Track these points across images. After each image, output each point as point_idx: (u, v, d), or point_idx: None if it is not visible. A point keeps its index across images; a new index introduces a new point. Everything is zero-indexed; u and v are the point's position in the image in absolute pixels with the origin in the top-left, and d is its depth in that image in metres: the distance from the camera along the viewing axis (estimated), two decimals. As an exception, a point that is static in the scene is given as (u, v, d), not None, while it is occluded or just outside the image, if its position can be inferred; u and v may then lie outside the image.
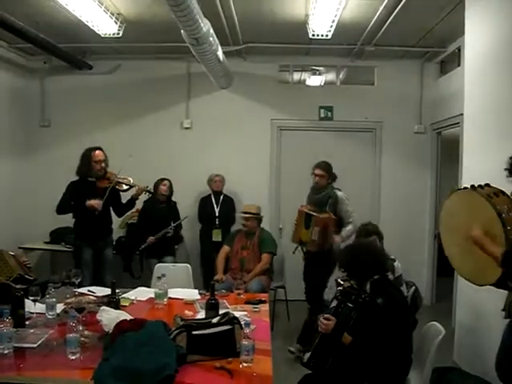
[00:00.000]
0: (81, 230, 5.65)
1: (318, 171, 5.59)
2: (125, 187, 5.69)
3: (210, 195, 7.12)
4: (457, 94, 5.98)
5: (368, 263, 3.29)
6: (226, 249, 6.10)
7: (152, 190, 6.06)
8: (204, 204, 7.09)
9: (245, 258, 6.00)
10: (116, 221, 6.18)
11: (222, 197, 7.08)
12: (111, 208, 5.76)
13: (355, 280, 3.43)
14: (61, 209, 5.53)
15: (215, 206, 7.01)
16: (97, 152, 5.55)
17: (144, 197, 6.06)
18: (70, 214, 5.67)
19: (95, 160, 5.51)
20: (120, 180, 5.64)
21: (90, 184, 5.54)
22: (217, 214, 6.97)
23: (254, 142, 7.57)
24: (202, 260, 7.04)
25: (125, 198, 5.85)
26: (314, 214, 5.37)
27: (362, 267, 3.29)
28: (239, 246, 6.07)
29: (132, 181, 5.72)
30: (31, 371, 2.63)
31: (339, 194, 5.53)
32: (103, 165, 5.57)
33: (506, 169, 2.92)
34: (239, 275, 5.90)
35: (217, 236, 6.89)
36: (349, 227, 5.46)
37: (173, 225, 6.53)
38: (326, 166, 5.62)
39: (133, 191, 5.73)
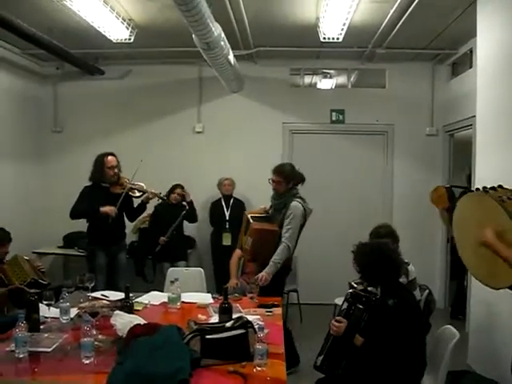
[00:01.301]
0: (94, 234, 5.67)
1: (273, 176, 4.94)
2: (138, 193, 5.70)
3: (220, 199, 7.15)
4: (469, 95, 5.96)
5: (384, 268, 3.27)
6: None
7: (165, 197, 6.07)
8: (214, 208, 7.10)
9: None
10: (128, 226, 6.20)
11: (232, 200, 7.10)
12: (124, 213, 5.77)
13: (369, 283, 3.42)
14: (75, 213, 5.55)
15: (225, 209, 7.02)
16: (109, 158, 5.57)
17: (154, 201, 6.06)
18: (84, 219, 5.70)
19: (108, 166, 5.54)
20: (133, 186, 5.66)
21: (104, 189, 5.56)
22: (227, 218, 6.98)
23: (266, 146, 7.57)
24: (213, 264, 7.05)
25: (136, 201, 5.87)
26: (251, 221, 4.86)
27: (377, 272, 3.28)
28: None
29: (145, 186, 5.73)
30: (46, 375, 2.64)
31: (293, 204, 4.74)
32: (116, 170, 5.58)
33: None
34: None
35: (226, 240, 6.91)
36: (279, 249, 4.66)
37: (174, 224, 6.50)
38: (280, 170, 4.93)
39: (145, 196, 5.74)
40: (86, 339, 2.77)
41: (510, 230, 2.72)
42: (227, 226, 6.97)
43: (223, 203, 7.08)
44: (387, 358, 3.04)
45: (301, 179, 4.97)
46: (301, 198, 4.86)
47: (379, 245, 3.43)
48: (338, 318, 3.31)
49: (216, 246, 7.07)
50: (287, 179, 4.87)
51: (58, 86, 7.76)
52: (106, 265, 5.62)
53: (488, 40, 4.99)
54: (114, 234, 5.63)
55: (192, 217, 6.76)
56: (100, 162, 5.56)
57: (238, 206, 7.09)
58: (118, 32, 5.84)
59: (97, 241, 5.62)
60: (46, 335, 3.15)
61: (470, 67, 6.51)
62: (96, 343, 2.90)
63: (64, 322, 3.47)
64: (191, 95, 7.64)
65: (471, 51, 6.44)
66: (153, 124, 7.63)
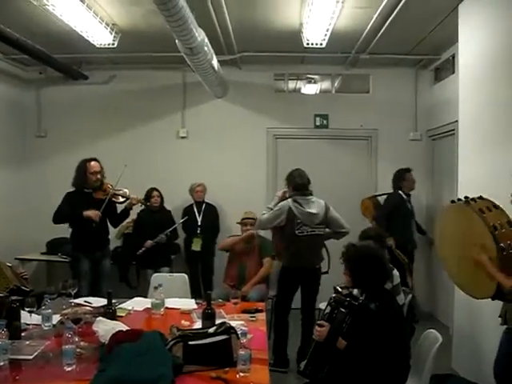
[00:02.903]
0: (78, 240, 5.64)
1: None
2: (121, 199, 5.68)
3: (192, 205, 7.10)
4: (451, 101, 6.00)
5: (375, 273, 3.28)
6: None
7: (148, 203, 6.05)
8: (186, 214, 7.03)
9: (245, 264, 6.02)
10: (112, 231, 6.18)
11: (204, 206, 7.06)
12: (107, 219, 5.74)
13: (358, 286, 3.44)
14: (58, 218, 5.52)
15: (197, 215, 6.99)
16: (92, 163, 5.54)
17: (138, 206, 6.05)
18: (67, 224, 5.66)
19: (91, 171, 5.51)
20: (116, 192, 5.63)
21: (87, 195, 5.53)
22: (199, 223, 6.95)
23: (250, 151, 7.58)
24: (189, 270, 6.96)
25: (119, 207, 5.84)
26: None
27: (368, 276, 3.28)
28: (238, 251, 6.09)
29: (128, 192, 5.71)
30: (27, 383, 2.62)
31: (282, 202, 5.32)
32: (99, 176, 5.55)
33: None
34: (237, 283, 5.91)
35: (196, 245, 6.87)
36: None
37: (171, 228, 6.59)
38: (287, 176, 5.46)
39: (128, 202, 5.72)
40: (67, 346, 2.75)
41: (489, 242, 2.74)
42: (198, 232, 6.92)
43: (195, 209, 7.04)
44: (370, 361, 3.04)
45: (294, 186, 5.28)
46: (296, 201, 5.17)
47: (372, 250, 3.44)
48: (320, 322, 3.31)
49: (189, 252, 7.03)
50: (287, 184, 5.37)
51: (41, 91, 7.71)
52: (90, 271, 5.58)
53: (469, 46, 5.04)
54: (97, 239, 5.60)
55: None
56: (83, 167, 5.54)
57: (210, 212, 7.09)
58: (101, 37, 5.82)
59: (80, 247, 5.59)
60: (28, 342, 3.12)
61: (453, 73, 6.55)
62: (78, 350, 2.89)
63: (46, 328, 3.44)
64: (175, 100, 7.63)
65: (453, 57, 6.50)
66: (137, 129, 7.60)
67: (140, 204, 5.88)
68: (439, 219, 3.39)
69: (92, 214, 5.42)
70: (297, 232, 5.15)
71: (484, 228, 2.75)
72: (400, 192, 6.71)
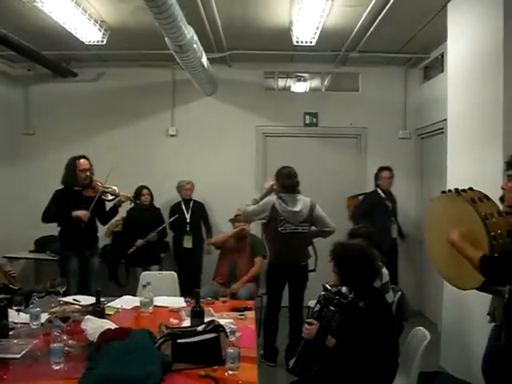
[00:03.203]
0: (66, 239, 5.60)
1: None
2: (110, 197, 5.65)
3: (179, 202, 7.10)
4: (441, 99, 6.02)
5: (364, 271, 3.29)
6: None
7: (138, 201, 6.03)
8: (174, 212, 7.02)
9: (236, 261, 6.02)
10: (101, 229, 6.16)
11: (192, 203, 7.07)
12: (96, 217, 5.72)
13: (346, 284, 3.44)
14: (47, 217, 5.49)
15: (186, 212, 6.98)
16: (81, 161, 5.51)
17: (127, 204, 6.03)
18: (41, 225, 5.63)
19: (80, 169, 5.47)
20: (106, 189, 5.61)
21: (76, 193, 5.50)
22: (188, 221, 6.95)
23: (240, 149, 7.58)
24: (178, 268, 6.95)
25: (108, 205, 5.81)
26: None
27: (357, 274, 3.29)
28: (229, 248, 6.09)
29: (117, 190, 5.68)
30: (15, 382, 2.60)
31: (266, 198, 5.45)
32: (88, 173, 5.52)
33: (505, 162, 2.92)
34: (227, 281, 5.92)
35: (187, 242, 6.88)
36: None
37: (161, 227, 6.61)
38: None
39: (117, 200, 5.70)
40: (55, 345, 2.74)
41: (481, 232, 2.75)
42: (188, 229, 6.93)
43: (183, 206, 7.03)
44: (359, 359, 3.05)
45: (282, 185, 5.31)
46: (280, 198, 5.23)
47: (361, 248, 3.43)
48: (309, 320, 3.32)
49: (177, 249, 7.04)
50: (276, 180, 5.39)
51: (29, 88, 7.67)
52: (79, 269, 5.55)
53: (458, 45, 5.06)
54: (86, 238, 5.58)
55: None
56: (72, 164, 5.50)
57: (199, 208, 7.10)
58: (90, 34, 5.78)
59: (69, 245, 5.56)
60: (15, 341, 3.10)
61: (442, 71, 6.58)
62: (66, 348, 2.88)
63: (34, 327, 3.42)
64: (165, 98, 7.61)
65: (442, 55, 6.52)
66: (126, 127, 7.58)
67: (129, 202, 5.85)
68: (429, 209, 3.40)
69: (81, 214, 5.39)
70: (280, 229, 5.20)
71: (475, 217, 2.75)
72: (378, 190, 6.72)
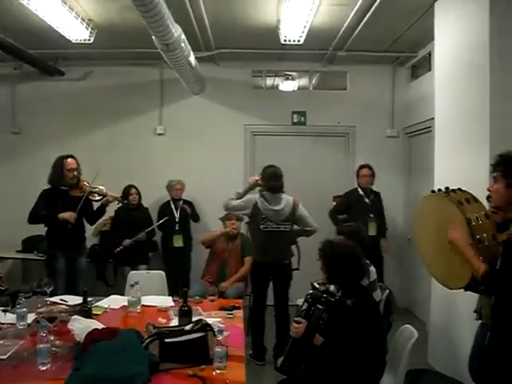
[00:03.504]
0: (54, 238, 5.57)
1: None
2: (98, 197, 5.61)
3: (169, 201, 7.07)
4: (428, 98, 6.05)
5: (351, 270, 3.30)
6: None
7: (125, 201, 6.00)
8: (163, 211, 7.01)
9: (226, 260, 6.02)
10: (89, 229, 6.13)
11: (181, 202, 7.04)
12: (83, 217, 5.69)
13: (333, 282, 3.45)
14: (33, 218, 5.45)
15: (175, 211, 6.96)
16: (69, 160, 5.47)
17: (115, 204, 6.00)
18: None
19: (67, 168, 5.43)
20: (93, 190, 5.57)
21: (63, 193, 5.46)
22: (177, 220, 6.93)
23: (228, 148, 7.57)
24: (166, 267, 6.93)
25: (96, 205, 5.77)
26: None
27: (344, 273, 3.30)
28: (220, 247, 6.08)
29: (104, 190, 5.64)
30: (1, 383, 2.59)
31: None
32: (75, 173, 5.48)
33: (491, 164, 2.93)
34: (216, 280, 5.92)
35: (178, 242, 6.87)
36: None
37: (150, 228, 6.59)
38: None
39: (105, 199, 5.67)
40: (41, 345, 2.74)
41: (466, 233, 2.77)
42: (177, 228, 6.91)
43: (172, 206, 7.01)
44: (346, 357, 3.06)
45: (267, 185, 5.36)
46: (263, 196, 5.32)
47: (348, 247, 3.44)
48: (297, 318, 3.32)
49: (166, 249, 7.03)
50: (261, 178, 5.42)
51: (16, 87, 7.61)
52: (66, 269, 5.52)
53: (445, 44, 5.09)
54: (73, 237, 5.54)
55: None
56: (59, 164, 5.46)
57: (189, 213, 7.07)
58: (77, 32, 5.75)
59: (56, 245, 5.53)
60: (2, 342, 3.10)
61: (429, 70, 6.60)
62: (53, 349, 2.87)
63: (21, 328, 3.40)
64: (152, 97, 7.59)
65: (430, 54, 6.54)
66: (114, 126, 7.55)
67: (117, 202, 5.82)
68: (418, 207, 3.42)
69: (67, 215, 5.35)
70: (261, 227, 5.28)
71: (462, 219, 2.78)
72: (358, 189, 6.71)
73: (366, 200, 6.61)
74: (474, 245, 2.71)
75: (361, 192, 6.65)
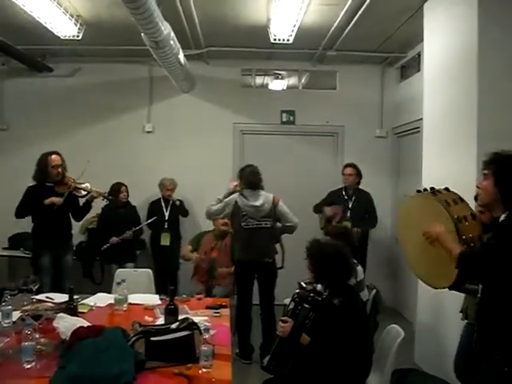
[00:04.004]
0: (39, 235, 5.54)
1: None
2: (83, 193, 5.58)
3: (159, 199, 7.05)
4: (417, 98, 6.07)
5: (338, 270, 3.31)
6: (188, 248, 6.19)
7: (110, 197, 5.94)
8: (153, 208, 7.00)
9: (215, 259, 6.01)
10: (76, 226, 6.10)
11: (171, 201, 7.02)
12: (70, 213, 5.66)
13: (320, 282, 3.46)
14: (20, 211, 5.43)
15: (165, 210, 6.95)
16: (53, 156, 5.43)
17: (102, 201, 5.97)
18: (29, 219, 5.56)
19: (52, 165, 5.40)
20: (78, 186, 5.54)
21: (48, 189, 5.43)
22: (166, 218, 6.92)
23: (217, 146, 7.56)
24: (154, 265, 6.90)
25: (82, 201, 5.73)
26: None
27: (331, 272, 3.30)
28: (208, 247, 6.08)
29: (90, 186, 5.61)
30: (-15, 381, 2.57)
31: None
32: (60, 170, 5.44)
33: (483, 161, 2.94)
34: (207, 279, 5.92)
35: (165, 240, 6.87)
36: None
37: (138, 227, 6.58)
38: None
39: (89, 195, 5.64)
40: (26, 343, 2.72)
41: (451, 234, 2.78)
42: (166, 226, 6.91)
43: (163, 204, 7.00)
44: (333, 357, 3.06)
45: (246, 182, 5.43)
46: (242, 194, 5.39)
47: (335, 247, 3.45)
48: (283, 318, 3.32)
49: (155, 247, 7.02)
50: (239, 178, 5.53)
51: (4, 83, 7.56)
52: (52, 266, 5.49)
53: (434, 45, 5.11)
54: (59, 234, 5.52)
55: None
56: (44, 160, 5.43)
57: (178, 206, 7.06)
58: (65, 28, 5.71)
59: (42, 242, 5.50)
60: (-14, 339, 3.07)
61: (418, 71, 6.63)
62: (39, 347, 2.86)
63: (5, 325, 3.38)
64: (141, 94, 7.56)
65: (419, 55, 6.56)
66: (102, 123, 7.51)
67: (102, 198, 5.76)
68: (403, 207, 3.43)
69: (54, 199, 5.34)
70: (243, 224, 5.34)
71: (448, 220, 2.79)
72: (343, 188, 6.68)
73: (347, 199, 6.54)
74: (460, 245, 2.72)
75: (343, 191, 6.61)
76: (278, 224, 5.48)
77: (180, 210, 7.07)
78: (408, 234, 3.25)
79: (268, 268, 5.41)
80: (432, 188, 3.04)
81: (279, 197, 5.49)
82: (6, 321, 3.41)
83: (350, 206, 6.48)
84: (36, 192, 5.41)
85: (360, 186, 6.66)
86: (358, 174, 6.61)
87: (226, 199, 5.41)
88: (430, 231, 2.88)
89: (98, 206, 6.16)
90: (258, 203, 5.31)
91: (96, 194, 5.59)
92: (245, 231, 5.35)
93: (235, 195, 5.40)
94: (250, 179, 5.41)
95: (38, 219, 5.52)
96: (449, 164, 4.68)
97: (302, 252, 3.50)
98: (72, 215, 5.70)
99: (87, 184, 5.61)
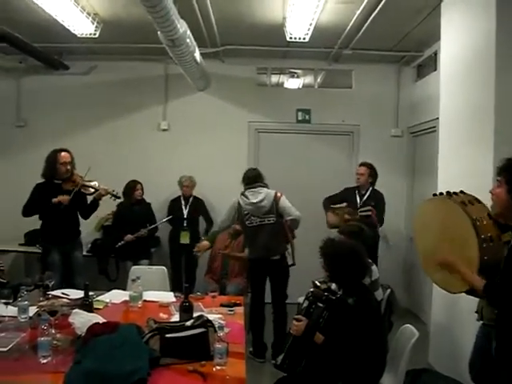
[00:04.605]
0: (47, 232, 5.58)
1: None
2: (91, 190, 5.58)
3: (179, 197, 7.07)
4: (433, 98, 6.03)
5: (353, 269, 3.30)
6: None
7: (119, 195, 5.92)
8: (173, 206, 7.03)
9: (228, 257, 6.04)
10: (91, 223, 6.13)
11: (191, 199, 7.02)
12: (77, 211, 5.67)
13: (335, 281, 3.45)
14: (27, 210, 5.46)
15: (184, 208, 6.96)
16: (62, 154, 5.46)
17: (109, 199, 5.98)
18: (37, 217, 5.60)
19: (61, 162, 5.42)
20: (86, 183, 5.56)
21: (56, 186, 5.45)
22: (185, 216, 6.93)
23: (232, 144, 7.57)
24: (171, 263, 6.93)
25: (90, 199, 5.74)
26: None
27: (346, 272, 3.30)
28: (222, 245, 6.09)
29: (97, 184, 5.61)
30: (2, 376, 2.60)
31: None
32: (69, 167, 5.46)
33: (497, 167, 2.91)
34: (220, 277, 5.94)
35: (184, 238, 6.86)
36: None
37: (153, 225, 6.60)
38: None
39: (97, 193, 5.63)
40: (42, 338, 2.74)
41: (469, 234, 2.75)
42: (185, 225, 6.91)
43: (182, 201, 7.01)
44: (347, 356, 3.05)
45: (243, 180, 5.56)
46: (243, 194, 5.44)
47: (350, 246, 3.44)
48: (297, 316, 3.32)
49: (173, 245, 7.02)
50: (242, 182, 5.57)
51: (21, 80, 7.62)
52: (61, 263, 5.51)
53: (451, 44, 5.07)
54: (67, 231, 5.54)
55: None
56: (52, 157, 5.45)
57: (197, 205, 7.06)
58: (82, 27, 5.75)
59: (50, 239, 5.54)
60: (3, 334, 3.11)
61: (435, 70, 6.58)
62: (54, 342, 2.88)
63: (22, 320, 3.41)
64: (157, 92, 7.58)
65: (436, 54, 6.52)
66: (118, 121, 7.55)
67: (109, 196, 5.75)
68: (419, 212, 3.40)
69: (61, 198, 5.35)
70: (247, 223, 5.38)
71: (466, 219, 2.76)
72: (356, 186, 6.62)
73: (357, 198, 6.50)
74: (478, 244, 2.69)
75: (355, 190, 6.55)
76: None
77: (199, 208, 7.07)
78: (424, 238, 3.22)
79: (277, 266, 5.39)
80: (448, 192, 3.02)
81: (281, 193, 5.47)
82: (23, 316, 3.44)
83: (359, 205, 6.42)
84: (44, 189, 5.44)
85: (374, 187, 6.60)
86: (372, 174, 6.51)
87: (228, 207, 5.47)
88: (446, 259, 2.86)
89: (113, 203, 6.17)
90: (256, 200, 5.31)
91: (104, 192, 5.59)
92: (249, 229, 5.39)
93: (236, 198, 5.44)
94: (247, 174, 5.51)
95: (45, 217, 5.54)
96: (465, 164, 4.64)
97: (316, 250, 3.49)
98: (79, 213, 5.71)
99: (95, 182, 5.62)
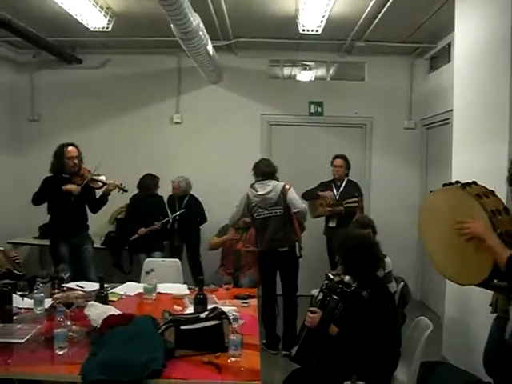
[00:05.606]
0: (56, 226, 5.62)
1: None
2: (100, 184, 5.58)
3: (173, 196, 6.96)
4: (447, 90, 5.99)
5: (367, 261, 3.30)
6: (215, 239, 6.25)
7: (126, 188, 5.89)
8: (169, 203, 6.94)
9: (241, 251, 6.05)
10: (105, 216, 6.14)
11: (186, 198, 6.86)
12: (86, 204, 5.70)
13: (349, 274, 3.46)
14: (37, 198, 5.49)
15: (177, 208, 6.81)
16: (69, 148, 5.47)
17: (130, 192, 5.98)
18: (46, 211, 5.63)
19: (68, 156, 5.44)
20: (94, 177, 5.56)
21: (64, 180, 5.45)
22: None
23: (244, 137, 7.57)
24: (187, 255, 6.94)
25: (98, 193, 5.77)
26: None
27: (360, 264, 3.31)
28: (233, 239, 6.11)
29: (105, 179, 5.61)
30: (19, 367, 2.63)
31: None
32: (76, 161, 5.47)
33: (509, 169, 2.86)
34: (234, 271, 5.96)
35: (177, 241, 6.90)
36: None
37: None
38: None
39: (105, 188, 5.63)
40: (59, 330, 2.76)
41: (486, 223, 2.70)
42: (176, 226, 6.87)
43: (176, 201, 6.86)
44: (361, 348, 3.06)
45: (256, 172, 5.54)
46: (251, 187, 5.45)
47: (364, 238, 3.45)
48: (312, 308, 3.33)
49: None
50: (254, 174, 5.56)
51: (34, 74, 7.66)
52: (70, 256, 5.54)
53: (465, 35, 5.02)
54: (75, 224, 5.58)
55: None
56: (60, 152, 5.48)
57: (193, 204, 6.91)
58: (95, 20, 5.77)
59: (58, 232, 5.57)
60: (19, 326, 3.14)
61: (449, 61, 6.53)
62: (70, 334, 2.90)
63: (38, 312, 3.46)
64: (170, 85, 7.59)
65: (449, 45, 6.47)
66: (131, 114, 7.57)
67: (118, 189, 5.75)
68: (426, 201, 3.34)
69: (71, 187, 5.38)
70: (255, 215, 5.41)
71: (482, 213, 2.68)
72: (332, 179, 6.58)
73: (334, 190, 6.47)
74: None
75: (331, 182, 6.54)
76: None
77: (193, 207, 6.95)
78: (432, 229, 3.13)
79: (286, 258, 5.39)
80: (457, 181, 2.94)
81: (290, 185, 5.44)
82: (39, 308, 3.48)
83: (337, 196, 6.41)
84: (53, 182, 5.47)
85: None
86: (347, 166, 6.56)
87: (239, 200, 5.51)
88: (469, 227, 2.73)
89: (127, 196, 6.18)
90: (263, 192, 5.31)
91: (112, 187, 5.59)
92: (258, 221, 5.42)
93: (247, 190, 5.46)
94: (260, 168, 5.49)
95: (54, 209, 5.57)
96: (479, 156, 4.61)
97: (324, 243, 3.50)
98: (88, 207, 5.74)
99: (103, 176, 5.63)
